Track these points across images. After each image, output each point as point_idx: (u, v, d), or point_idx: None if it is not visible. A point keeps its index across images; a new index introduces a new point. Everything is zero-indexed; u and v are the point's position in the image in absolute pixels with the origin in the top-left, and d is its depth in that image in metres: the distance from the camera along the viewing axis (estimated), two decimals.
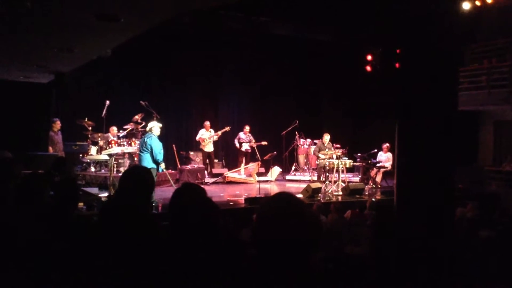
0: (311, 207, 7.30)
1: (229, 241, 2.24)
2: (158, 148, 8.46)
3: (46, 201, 3.49)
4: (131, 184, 2.70)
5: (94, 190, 9.98)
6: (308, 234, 1.75)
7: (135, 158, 11.38)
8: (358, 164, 12.90)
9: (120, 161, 11.40)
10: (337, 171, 11.34)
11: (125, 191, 2.70)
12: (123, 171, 10.76)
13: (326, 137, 12.70)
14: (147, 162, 8.31)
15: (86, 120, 11.71)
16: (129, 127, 11.93)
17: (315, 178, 12.73)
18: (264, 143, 13.43)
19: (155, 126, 8.75)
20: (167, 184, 11.23)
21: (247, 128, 13.61)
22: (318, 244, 1.77)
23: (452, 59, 4.52)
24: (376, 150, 13.07)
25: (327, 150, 12.15)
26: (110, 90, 12.80)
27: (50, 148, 10.73)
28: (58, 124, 11.04)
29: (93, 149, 11.48)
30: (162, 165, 8.60)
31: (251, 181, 12.72)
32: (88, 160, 11.64)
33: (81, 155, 11.81)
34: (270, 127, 15.13)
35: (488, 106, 13.89)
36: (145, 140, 8.51)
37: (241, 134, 13.59)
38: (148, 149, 8.40)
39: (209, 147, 13.12)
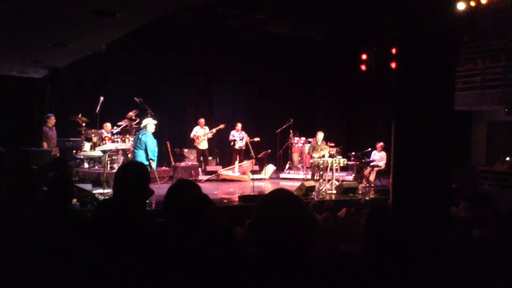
0: (308, 205, 7.30)
1: (225, 238, 2.23)
2: (152, 145, 8.44)
3: (39, 197, 3.47)
4: (127, 179, 2.68)
5: (87, 186, 9.94)
6: (306, 231, 1.74)
7: (129, 155, 11.35)
8: (352, 163, 12.93)
9: (113, 157, 11.36)
10: (331, 169, 11.36)
11: (121, 186, 2.68)
12: (116, 167, 10.74)
13: (320, 135, 12.72)
14: (142, 159, 8.31)
15: (80, 116, 11.65)
16: (123, 123, 11.89)
17: (309, 176, 12.75)
18: (256, 139, 13.44)
19: (149, 123, 8.73)
20: (162, 181, 11.22)
21: (239, 125, 13.60)
22: (315, 242, 1.77)
23: (447, 59, 4.53)
24: (370, 149, 13.11)
25: (321, 149, 12.16)
26: (105, 86, 12.74)
27: (44, 144, 10.66)
28: (52, 120, 10.97)
29: (87, 145, 11.43)
30: (153, 164, 8.55)
31: (245, 179, 12.71)
32: (82, 156, 11.60)
33: (74, 151, 11.76)
34: (264, 125, 15.12)
35: (481, 106, 13.96)
36: (140, 137, 8.49)
37: (234, 132, 13.58)
38: (142, 146, 8.38)
39: (203, 145, 13.10)
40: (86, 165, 11.64)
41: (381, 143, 12.85)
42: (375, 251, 2.32)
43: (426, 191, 4.03)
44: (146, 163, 8.31)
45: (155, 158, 8.66)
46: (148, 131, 8.62)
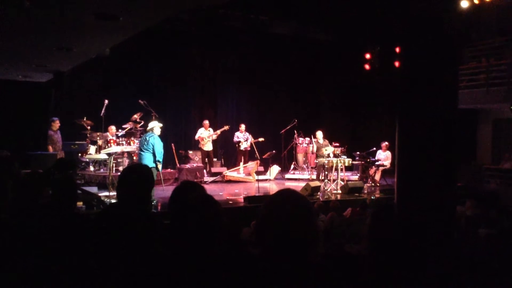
0: (313, 205, 7.29)
1: (230, 239, 2.24)
2: (159, 147, 8.51)
3: (45, 200, 3.48)
4: (131, 181, 2.69)
5: (93, 189, 9.96)
6: (312, 231, 1.75)
7: (134, 157, 11.37)
8: (357, 162, 12.90)
9: (119, 160, 11.39)
10: (336, 169, 11.34)
11: (125, 188, 2.69)
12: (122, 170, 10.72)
13: (319, 134, 12.70)
14: (148, 161, 8.37)
15: (85, 119, 11.69)
16: (128, 126, 11.92)
17: (314, 176, 12.74)
18: (261, 139, 13.45)
19: (156, 126, 8.80)
20: (167, 183, 11.24)
21: (242, 126, 13.60)
22: (319, 242, 1.78)
23: (451, 57, 4.52)
24: (375, 149, 13.08)
25: (325, 148, 12.12)
26: (109, 89, 12.79)
27: (50, 147, 10.70)
28: (57, 123, 10.99)
29: (92, 149, 11.47)
30: (160, 166, 8.66)
31: (250, 180, 12.72)
32: (87, 160, 11.63)
33: (80, 155, 11.80)
34: (269, 126, 15.12)
35: (486, 104, 13.91)
36: (147, 139, 8.53)
37: (238, 134, 13.58)
38: (149, 149, 8.45)
39: (208, 146, 13.11)
40: (91, 168, 11.67)
41: (386, 143, 12.82)
42: (379, 251, 2.32)
43: (430, 190, 4.02)
44: (153, 165, 8.39)
45: (162, 160, 8.71)
46: (155, 134, 8.67)
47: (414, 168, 4.14)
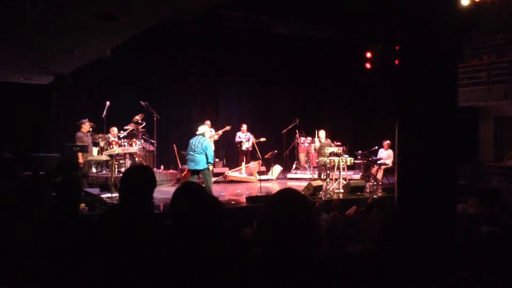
0: (314, 204, 7.30)
1: (233, 240, 2.24)
2: (211, 150, 9.29)
3: (47, 202, 3.49)
4: (133, 182, 2.70)
5: (95, 190, 9.98)
6: (313, 231, 1.75)
7: (136, 159, 11.39)
8: (359, 161, 12.90)
9: (121, 161, 11.40)
10: (338, 168, 11.34)
11: (127, 189, 2.69)
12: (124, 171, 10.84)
13: (321, 134, 12.69)
14: (203, 162, 9.04)
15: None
16: (129, 127, 11.93)
17: (316, 176, 12.73)
18: (262, 139, 13.44)
19: (207, 131, 9.56)
20: (169, 184, 11.26)
21: (244, 126, 13.59)
22: (321, 241, 1.78)
23: (451, 55, 4.51)
24: (376, 147, 13.07)
25: (327, 148, 12.10)
26: (110, 90, 12.79)
27: (79, 154, 10.16)
28: (87, 125, 10.55)
29: (94, 150, 11.47)
30: (210, 166, 9.46)
31: (252, 180, 12.72)
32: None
33: None
34: (270, 125, 15.10)
35: (488, 102, 13.88)
36: (201, 142, 9.14)
37: (240, 134, 13.58)
38: (203, 151, 9.06)
39: None
40: (93, 169, 11.68)
41: (388, 141, 12.81)
42: (388, 252, 2.32)
43: (431, 188, 4.01)
44: (206, 166, 9.09)
45: (212, 161, 9.55)
46: (206, 138, 9.32)
47: (414, 167, 4.13)
